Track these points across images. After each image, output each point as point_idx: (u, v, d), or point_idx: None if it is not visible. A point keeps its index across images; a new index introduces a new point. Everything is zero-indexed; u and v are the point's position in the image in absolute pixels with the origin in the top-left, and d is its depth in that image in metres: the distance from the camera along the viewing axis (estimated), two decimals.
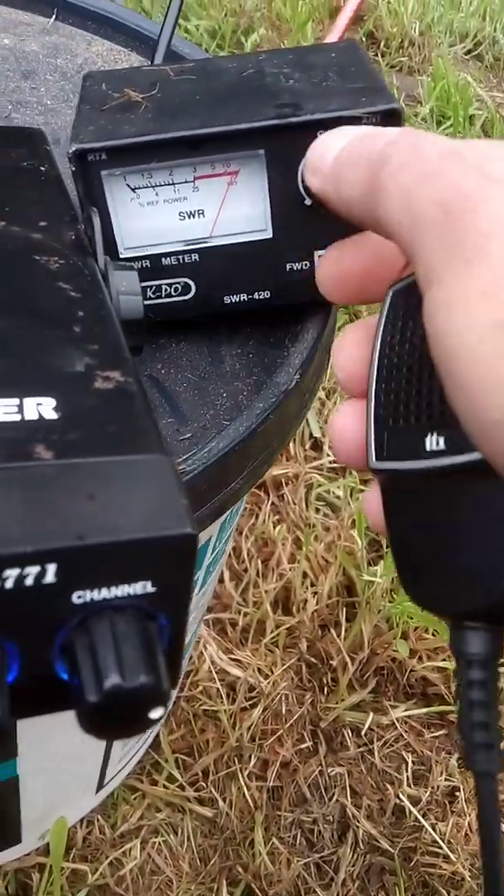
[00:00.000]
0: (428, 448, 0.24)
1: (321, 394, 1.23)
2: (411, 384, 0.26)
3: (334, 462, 1.15)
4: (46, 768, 0.62)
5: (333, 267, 0.32)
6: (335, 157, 0.28)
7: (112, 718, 0.19)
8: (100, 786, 0.74)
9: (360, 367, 0.29)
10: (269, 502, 1.09)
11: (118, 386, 0.25)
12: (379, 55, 1.93)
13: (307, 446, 1.18)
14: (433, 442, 0.24)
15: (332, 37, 0.52)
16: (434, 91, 1.71)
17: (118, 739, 0.20)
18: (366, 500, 0.29)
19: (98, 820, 0.79)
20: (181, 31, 1.75)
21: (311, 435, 1.19)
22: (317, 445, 1.18)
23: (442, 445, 0.24)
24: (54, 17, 0.65)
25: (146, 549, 0.20)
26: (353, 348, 0.30)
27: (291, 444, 1.16)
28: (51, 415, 0.23)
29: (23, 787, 0.60)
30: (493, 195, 0.22)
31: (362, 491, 1.09)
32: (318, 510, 1.09)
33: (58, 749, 0.60)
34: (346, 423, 0.29)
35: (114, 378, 0.25)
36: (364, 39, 1.97)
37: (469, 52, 2.03)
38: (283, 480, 1.12)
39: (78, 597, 0.20)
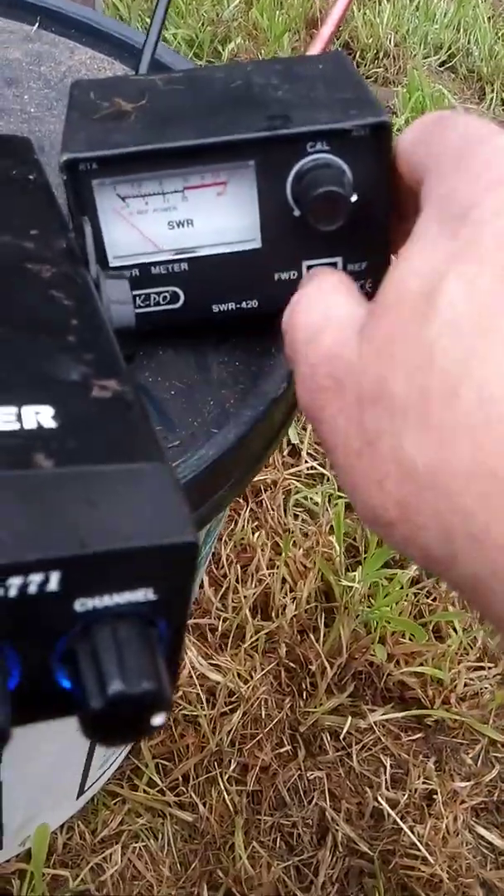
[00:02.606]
0: None
1: None
2: None
3: (312, 469, 1.16)
4: (29, 775, 0.62)
5: None
6: None
7: (115, 724, 0.19)
8: (80, 792, 0.74)
9: None
10: (248, 508, 1.09)
11: (115, 395, 0.25)
12: (355, 66, 1.95)
13: (285, 452, 1.18)
14: None
15: (315, 48, 0.52)
16: (409, 102, 1.73)
17: (120, 745, 0.20)
18: None
19: (79, 825, 0.79)
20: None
21: (289, 441, 1.19)
22: (295, 451, 1.19)
23: None
24: (37, 24, 0.65)
25: (149, 556, 0.20)
26: None
27: None
28: (49, 423, 0.23)
29: (5, 794, 0.60)
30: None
31: (340, 497, 1.10)
32: (296, 516, 1.10)
33: (41, 756, 0.59)
34: None
35: (110, 387, 0.26)
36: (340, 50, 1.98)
37: (443, 63, 2.05)
38: (261, 487, 1.12)
39: (81, 604, 0.20)
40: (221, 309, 0.45)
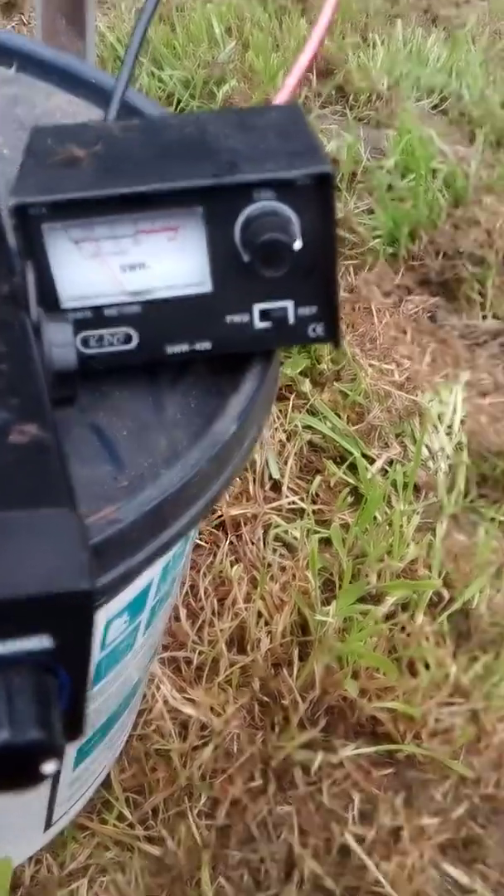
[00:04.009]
0: None
1: (281, 436, 1.25)
2: None
3: (293, 503, 1.16)
4: None
5: None
6: None
7: (2, 771, 0.20)
8: (48, 824, 0.73)
9: None
10: (227, 542, 1.09)
11: (34, 439, 0.26)
12: (347, 108, 1.98)
13: (267, 487, 1.19)
14: None
15: (290, 79, 0.53)
16: (399, 144, 1.75)
17: (10, 792, 0.21)
18: None
19: (46, 858, 0.79)
20: (154, 81, 1.79)
21: (270, 476, 1.20)
22: (276, 486, 1.19)
23: None
24: (15, 67, 0.66)
25: (43, 604, 0.21)
26: None
27: (251, 486, 1.17)
28: None
29: None
30: None
31: (317, 532, 1.10)
32: (275, 550, 1.10)
33: None
34: None
35: (29, 432, 0.26)
36: (333, 93, 2.02)
37: (435, 106, 2.08)
38: (241, 521, 1.13)
39: None
40: (175, 350, 0.45)
